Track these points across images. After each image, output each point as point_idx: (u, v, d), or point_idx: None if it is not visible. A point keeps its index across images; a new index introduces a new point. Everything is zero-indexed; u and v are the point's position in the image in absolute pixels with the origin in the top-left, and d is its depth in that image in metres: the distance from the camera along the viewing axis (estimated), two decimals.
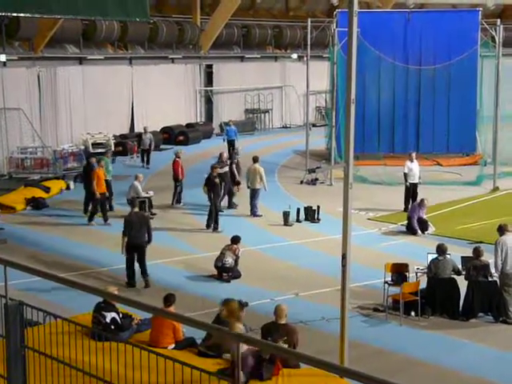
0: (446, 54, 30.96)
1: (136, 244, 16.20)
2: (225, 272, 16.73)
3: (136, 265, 16.32)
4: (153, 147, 31.83)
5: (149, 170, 30.03)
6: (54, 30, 31.82)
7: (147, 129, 32.42)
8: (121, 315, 11.67)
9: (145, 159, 31.42)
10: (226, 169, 23.68)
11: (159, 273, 17.16)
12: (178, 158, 24.40)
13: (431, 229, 20.68)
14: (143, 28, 36.66)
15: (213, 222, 21.07)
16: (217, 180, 21.34)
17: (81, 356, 7.01)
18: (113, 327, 11.39)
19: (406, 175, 23.14)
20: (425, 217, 20.79)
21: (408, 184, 23.05)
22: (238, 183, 23.77)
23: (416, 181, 23.17)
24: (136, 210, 17.03)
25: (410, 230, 20.61)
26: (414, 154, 23.81)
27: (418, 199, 21.48)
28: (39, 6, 21.47)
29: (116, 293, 10.07)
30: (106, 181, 22.95)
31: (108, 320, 11.42)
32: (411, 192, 23.07)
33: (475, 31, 30.59)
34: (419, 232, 20.41)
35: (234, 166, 24.19)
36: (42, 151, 29.99)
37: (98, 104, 34.81)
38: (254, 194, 22.89)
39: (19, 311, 6.50)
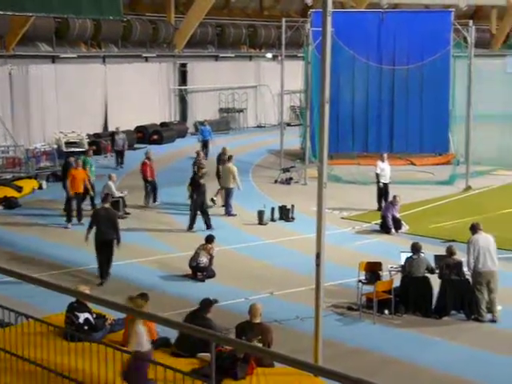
0: (419, 54, 31.13)
1: (105, 240, 16.30)
2: (199, 271, 16.70)
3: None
4: (126, 147, 31.55)
5: (123, 169, 29.86)
6: (26, 28, 31.57)
7: (120, 129, 32.11)
8: (94, 315, 11.59)
9: (119, 160, 31.07)
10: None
11: (134, 272, 17.09)
12: (147, 159, 24.22)
13: (405, 227, 20.80)
14: (117, 26, 36.49)
15: (192, 221, 20.97)
16: (202, 180, 21.20)
17: (53, 357, 6.95)
18: (86, 328, 11.31)
19: (378, 175, 23.28)
20: (398, 215, 20.90)
21: (381, 184, 23.18)
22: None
23: (388, 181, 23.33)
24: (106, 205, 17.00)
25: (384, 229, 20.70)
26: (385, 155, 23.97)
27: (391, 197, 21.59)
28: (12, 3, 21.29)
29: (88, 292, 10.03)
30: (90, 181, 23.00)
31: (81, 320, 11.33)
32: (383, 192, 23.22)
33: (448, 32, 30.78)
34: (393, 230, 20.51)
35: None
36: (14, 150, 29.75)
37: (71, 103, 34.60)
38: (227, 193, 22.87)
39: None
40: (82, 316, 11.35)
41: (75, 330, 10.89)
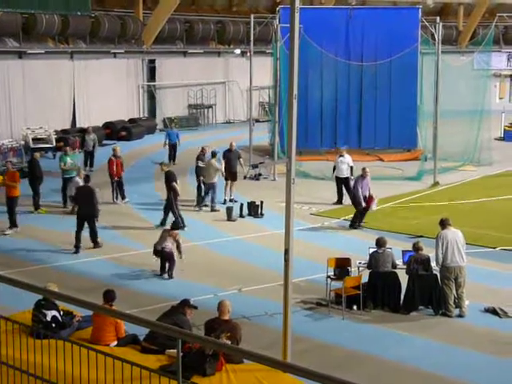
0: (387, 50, 31.28)
1: (85, 214, 18.49)
2: (164, 258, 16.68)
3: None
4: (97, 148, 29.70)
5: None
6: None
7: (90, 129, 30.40)
8: (61, 313, 11.51)
9: (88, 162, 29.27)
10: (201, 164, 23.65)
11: (102, 269, 17.03)
12: (114, 156, 24.00)
13: (375, 204, 21.03)
14: (85, 22, 36.19)
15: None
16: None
17: (18, 354, 6.89)
18: (54, 325, 11.23)
19: (334, 168, 23.97)
20: (370, 191, 21.04)
21: (334, 177, 23.85)
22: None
23: (344, 175, 23.59)
24: (88, 184, 19.09)
25: (355, 205, 20.89)
26: (343, 149, 24.57)
27: (360, 170, 21.55)
28: None
29: (56, 290, 9.96)
30: (65, 179, 23.06)
31: (49, 318, 11.24)
32: (341, 185, 23.69)
33: (415, 28, 30.98)
34: (363, 204, 20.63)
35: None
36: None
37: (38, 99, 34.31)
38: (210, 188, 22.83)
39: None
40: (50, 313, 11.27)
41: (43, 328, 10.80)
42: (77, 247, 18.47)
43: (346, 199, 23.11)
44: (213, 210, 22.73)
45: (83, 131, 31.97)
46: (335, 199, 23.84)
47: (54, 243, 19.19)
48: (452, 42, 53.71)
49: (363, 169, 21.29)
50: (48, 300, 11.25)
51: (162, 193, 23.77)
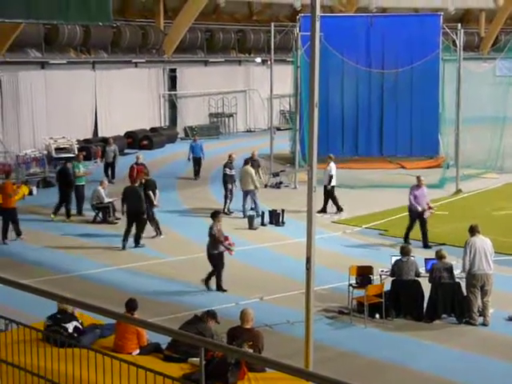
0: (409, 57, 31.20)
1: (133, 212, 19.67)
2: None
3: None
4: (117, 160, 29.17)
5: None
6: (15, 35, 31.50)
7: (111, 140, 30.15)
8: (80, 321, 11.54)
9: (109, 173, 28.79)
10: (233, 172, 23.82)
11: (124, 278, 17.07)
12: (136, 163, 24.14)
13: (427, 214, 19.72)
14: (106, 32, 36.45)
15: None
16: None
17: (43, 363, 6.93)
18: (76, 335, 11.24)
19: (331, 177, 23.47)
20: (428, 201, 20.01)
21: (329, 187, 23.35)
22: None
23: (325, 183, 23.23)
24: (136, 185, 20.34)
25: (413, 214, 19.66)
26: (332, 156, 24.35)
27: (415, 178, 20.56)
28: (0, 10, 21.23)
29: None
30: (77, 186, 23.04)
31: (71, 330, 11.19)
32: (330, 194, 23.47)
33: (437, 35, 30.90)
34: (419, 209, 19.37)
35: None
36: (4, 156, 29.67)
37: (60, 109, 34.53)
38: (246, 195, 22.83)
39: None
40: (71, 325, 11.25)
41: (67, 337, 10.79)
42: (123, 246, 19.58)
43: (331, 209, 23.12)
44: (258, 215, 22.48)
45: (105, 141, 32.11)
46: (357, 207, 23.72)
47: (75, 252, 19.29)
48: (474, 49, 53.46)
49: (418, 177, 20.36)
50: (64, 312, 11.27)
51: (184, 201, 23.91)
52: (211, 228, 16.38)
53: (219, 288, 16.30)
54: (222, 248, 16.31)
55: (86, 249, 19.81)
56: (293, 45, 30.88)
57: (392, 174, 29.29)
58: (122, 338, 11.23)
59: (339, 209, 23.49)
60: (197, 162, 29.52)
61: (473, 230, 14.74)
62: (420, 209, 19.44)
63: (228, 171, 23.77)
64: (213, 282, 16.35)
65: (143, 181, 21.02)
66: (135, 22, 39.67)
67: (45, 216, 22.90)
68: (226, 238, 16.54)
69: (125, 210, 19.87)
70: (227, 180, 23.64)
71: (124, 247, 19.57)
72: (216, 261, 16.32)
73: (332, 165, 23.80)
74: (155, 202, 20.89)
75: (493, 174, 29.84)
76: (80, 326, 11.37)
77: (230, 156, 24.41)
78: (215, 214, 16.75)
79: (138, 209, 19.67)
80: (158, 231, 20.87)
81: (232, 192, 23.64)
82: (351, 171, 29.10)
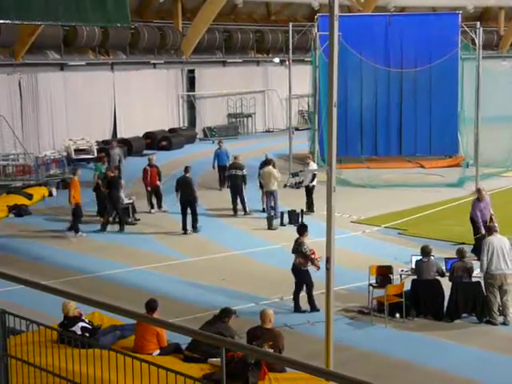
0: (427, 56, 31.06)
1: (186, 200, 21.33)
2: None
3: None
4: (123, 162, 28.66)
5: (129, 175, 28.69)
6: (34, 37, 31.70)
7: (114, 144, 29.73)
8: (87, 320, 11.58)
9: None
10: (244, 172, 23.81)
11: (143, 279, 17.12)
12: (149, 165, 24.10)
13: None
14: (124, 33, 36.57)
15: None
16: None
17: (64, 364, 6.96)
18: (87, 334, 11.28)
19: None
20: (491, 213, 18.25)
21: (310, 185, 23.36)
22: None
23: (306, 183, 23.42)
24: (187, 175, 21.77)
25: (475, 231, 18.15)
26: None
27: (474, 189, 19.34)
28: (18, 12, 21.34)
29: (74, 307, 10.26)
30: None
31: (79, 331, 11.24)
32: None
33: (455, 34, 30.76)
34: (483, 231, 17.09)
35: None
36: (24, 158, 29.84)
37: (79, 110, 34.71)
38: (270, 195, 22.81)
39: (1, 319, 6.46)
40: (77, 327, 11.30)
41: (80, 337, 10.83)
42: (184, 230, 21.17)
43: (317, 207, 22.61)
44: (276, 217, 22.29)
45: (124, 142, 32.12)
46: (376, 207, 23.67)
47: (94, 254, 19.37)
48: (493, 47, 53.13)
49: (478, 190, 18.66)
50: (68, 318, 11.34)
51: (203, 202, 23.90)
52: (300, 244, 15.15)
53: (313, 308, 14.92)
54: (309, 264, 15.17)
55: (105, 250, 19.87)
56: (311, 45, 30.87)
57: (411, 174, 29.17)
58: (141, 338, 11.27)
59: (310, 209, 23.17)
60: (222, 171, 26.82)
61: (490, 230, 14.68)
62: (483, 231, 17.09)
63: (234, 172, 23.70)
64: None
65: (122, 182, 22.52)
66: (153, 23, 39.80)
67: (65, 217, 22.93)
68: (313, 253, 15.14)
69: (178, 198, 21.44)
70: (238, 182, 23.48)
71: (185, 231, 21.16)
72: (307, 278, 15.08)
73: (312, 163, 24.41)
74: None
75: None
76: (88, 325, 11.41)
77: (235, 157, 24.41)
78: (303, 230, 15.59)
79: (190, 197, 21.26)
80: (122, 226, 21.81)
81: (243, 192, 23.56)
82: (370, 171, 29.02)
